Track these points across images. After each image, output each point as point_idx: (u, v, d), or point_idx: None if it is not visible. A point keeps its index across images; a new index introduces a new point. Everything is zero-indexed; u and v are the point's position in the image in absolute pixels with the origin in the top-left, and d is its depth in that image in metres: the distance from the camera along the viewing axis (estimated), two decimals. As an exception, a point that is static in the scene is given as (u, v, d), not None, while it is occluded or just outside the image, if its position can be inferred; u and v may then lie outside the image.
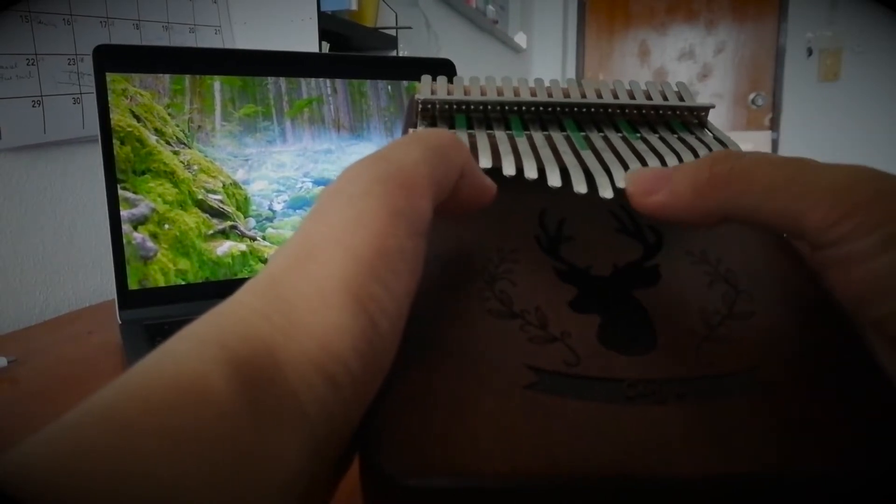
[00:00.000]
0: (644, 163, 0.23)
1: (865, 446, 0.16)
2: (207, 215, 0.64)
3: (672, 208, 0.20)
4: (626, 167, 0.23)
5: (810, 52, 3.36)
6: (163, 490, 0.12)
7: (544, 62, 3.69)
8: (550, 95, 0.27)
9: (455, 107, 0.26)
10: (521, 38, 3.16)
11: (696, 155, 0.24)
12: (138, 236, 0.61)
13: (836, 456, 0.16)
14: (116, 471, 0.12)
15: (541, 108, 0.26)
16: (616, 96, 0.27)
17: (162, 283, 0.62)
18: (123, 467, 0.12)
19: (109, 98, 0.59)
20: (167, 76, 0.63)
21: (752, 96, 3.55)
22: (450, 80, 0.28)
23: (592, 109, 0.27)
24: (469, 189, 0.20)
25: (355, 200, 0.17)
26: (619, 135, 0.26)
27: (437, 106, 0.26)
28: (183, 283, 0.63)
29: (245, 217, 0.66)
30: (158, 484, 0.12)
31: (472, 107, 0.26)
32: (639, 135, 0.26)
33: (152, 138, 0.62)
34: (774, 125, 3.52)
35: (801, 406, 0.17)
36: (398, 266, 0.17)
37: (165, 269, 0.62)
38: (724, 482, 0.16)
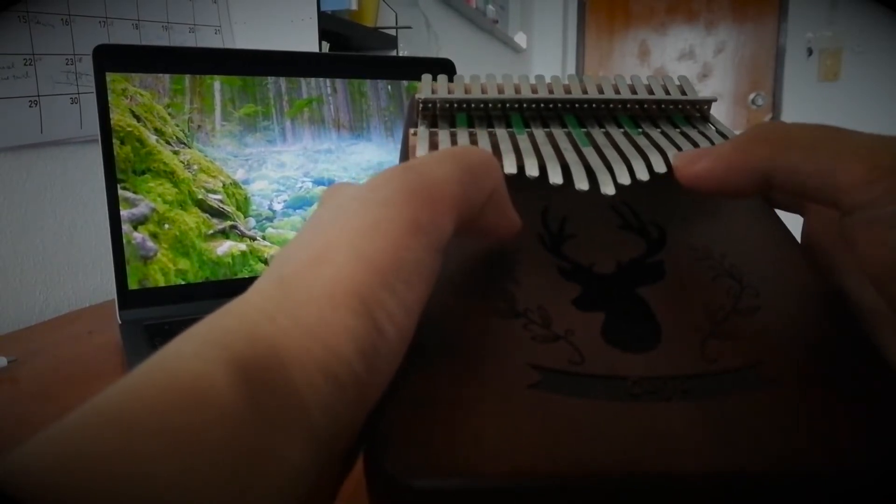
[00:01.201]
0: (646, 158, 0.23)
1: (870, 445, 0.16)
2: (207, 215, 0.64)
3: (715, 171, 0.20)
4: (628, 163, 0.23)
5: (810, 52, 3.36)
6: (164, 491, 0.12)
7: (544, 62, 3.69)
8: (551, 92, 0.27)
9: (456, 105, 0.26)
10: (521, 38, 3.16)
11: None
12: (138, 236, 0.60)
13: (842, 454, 0.16)
14: (118, 471, 0.12)
15: (542, 105, 0.26)
16: (617, 91, 0.27)
17: (162, 283, 0.61)
18: (125, 468, 0.12)
19: (109, 98, 0.59)
20: (167, 76, 0.62)
21: (752, 96, 3.56)
22: (450, 79, 0.28)
23: (594, 105, 0.26)
24: (494, 215, 0.20)
25: (376, 208, 0.17)
26: (621, 130, 0.25)
27: (438, 105, 0.26)
28: (183, 282, 0.62)
29: (245, 217, 0.66)
30: (160, 485, 0.12)
31: (473, 105, 0.26)
32: (640, 130, 0.26)
33: (152, 138, 0.61)
34: (774, 125, 3.51)
35: (805, 403, 0.17)
36: (411, 277, 0.17)
37: (165, 268, 0.62)
38: (728, 480, 0.16)
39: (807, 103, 3.42)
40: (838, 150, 0.18)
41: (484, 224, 0.20)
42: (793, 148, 0.18)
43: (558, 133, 0.25)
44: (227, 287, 0.64)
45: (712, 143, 0.25)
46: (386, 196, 0.17)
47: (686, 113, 0.27)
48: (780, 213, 0.24)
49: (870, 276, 0.18)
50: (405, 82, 0.73)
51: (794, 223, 0.23)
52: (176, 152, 0.63)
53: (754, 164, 0.19)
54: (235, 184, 0.66)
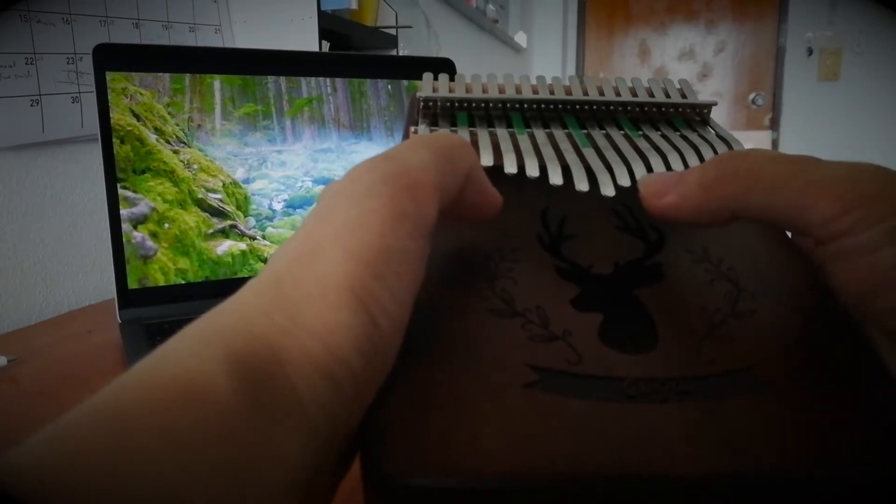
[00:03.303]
0: (646, 160, 0.23)
1: (867, 447, 0.16)
2: (207, 214, 0.64)
3: (682, 208, 0.20)
4: (628, 165, 0.23)
5: (810, 52, 3.36)
6: (164, 489, 0.12)
7: (544, 62, 3.69)
8: (552, 93, 0.27)
9: (457, 105, 0.26)
10: (521, 38, 3.16)
11: (698, 152, 0.24)
12: (138, 235, 0.60)
13: (839, 457, 0.16)
14: (118, 470, 0.12)
15: (543, 106, 0.26)
16: (618, 93, 0.27)
17: (162, 283, 0.61)
18: (124, 466, 0.12)
19: (109, 97, 0.59)
20: (167, 75, 0.62)
21: (752, 96, 3.55)
22: (451, 78, 0.28)
23: (594, 107, 0.26)
24: (474, 196, 0.20)
25: (359, 200, 0.17)
26: (622, 132, 0.26)
27: (439, 104, 0.26)
28: (183, 282, 0.62)
29: (245, 216, 0.66)
30: (159, 483, 0.12)
31: (474, 104, 0.26)
32: (641, 132, 0.26)
33: (152, 137, 0.62)
34: (774, 125, 3.52)
35: (803, 406, 0.17)
36: (401, 267, 0.17)
37: (165, 268, 0.62)
38: (724, 482, 0.16)
39: (807, 103, 3.41)
40: (806, 185, 0.18)
41: (466, 206, 0.20)
42: (760, 185, 0.18)
43: (559, 134, 0.25)
44: (226, 286, 0.64)
45: (713, 146, 0.25)
46: (367, 187, 0.17)
47: (686, 116, 0.27)
48: None
49: (849, 300, 0.18)
50: (405, 82, 0.73)
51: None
52: (176, 151, 0.63)
53: (722, 202, 0.19)
54: (235, 183, 0.66)
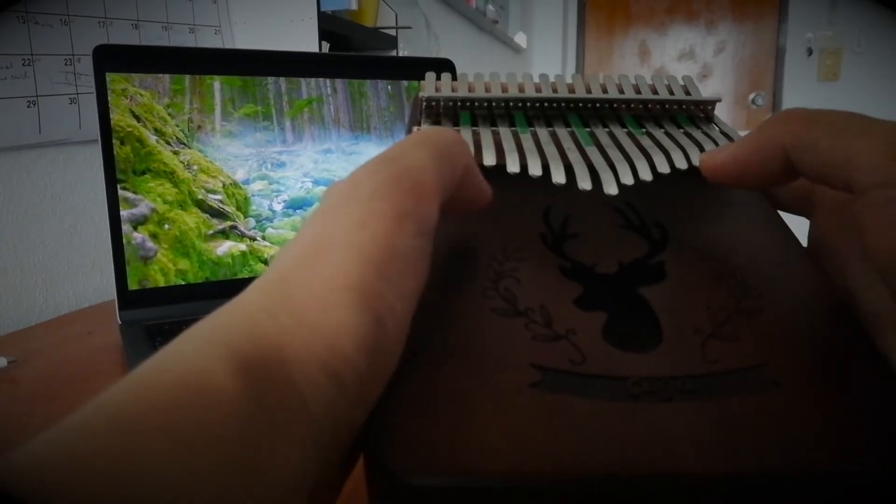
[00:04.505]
0: (650, 158, 0.23)
1: (873, 445, 0.16)
2: (207, 215, 0.64)
3: (738, 157, 0.21)
4: (630, 163, 0.23)
5: (810, 52, 3.36)
6: (168, 490, 0.12)
7: (544, 62, 3.69)
8: (555, 91, 0.27)
9: (459, 104, 0.26)
10: (521, 38, 3.16)
11: (702, 149, 0.24)
12: (138, 236, 0.60)
13: (843, 455, 0.16)
14: (119, 470, 0.12)
15: (546, 104, 0.26)
16: (621, 91, 0.27)
17: (162, 284, 0.61)
18: (125, 466, 0.12)
19: (109, 98, 0.59)
20: (167, 76, 0.62)
21: (752, 96, 3.55)
22: (454, 78, 0.28)
23: (597, 105, 0.26)
24: (469, 189, 0.20)
25: (364, 203, 0.17)
26: (625, 130, 0.25)
27: (442, 103, 0.26)
28: (183, 283, 0.62)
29: (245, 217, 0.66)
30: (164, 483, 0.12)
31: (477, 104, 0.26)
32: (644, 130, 0.26)
33: (152, 138, 0.61)
34: (774, 125, 3.51)
35: (808, 405, 0.17)
36: (405, 266, 0.17)
37: (165, 269, 0.62)
38: (728, 481, 0.15)
39: (807, 103, 3.39)
40: (860, 130, 0.18)
41: (461, 200, 0.20)
42: (816, 125, 0.19)
43: (562, 132, 0.25)
44: (226, 287, 0.64)
45: (716, 143, 0.25)
46: (371, 189, 0.17)
47: (690, 113, 0.27)
48: (784, 216, 0.24)
49: (876, 264, 0.18)
50: (405, 82, 0.73)
51: (797, 226, 0.23)
52: (176, 152, 0.63)
53: (778, 139, 0.20)
54: (235, 184, 0.66)
